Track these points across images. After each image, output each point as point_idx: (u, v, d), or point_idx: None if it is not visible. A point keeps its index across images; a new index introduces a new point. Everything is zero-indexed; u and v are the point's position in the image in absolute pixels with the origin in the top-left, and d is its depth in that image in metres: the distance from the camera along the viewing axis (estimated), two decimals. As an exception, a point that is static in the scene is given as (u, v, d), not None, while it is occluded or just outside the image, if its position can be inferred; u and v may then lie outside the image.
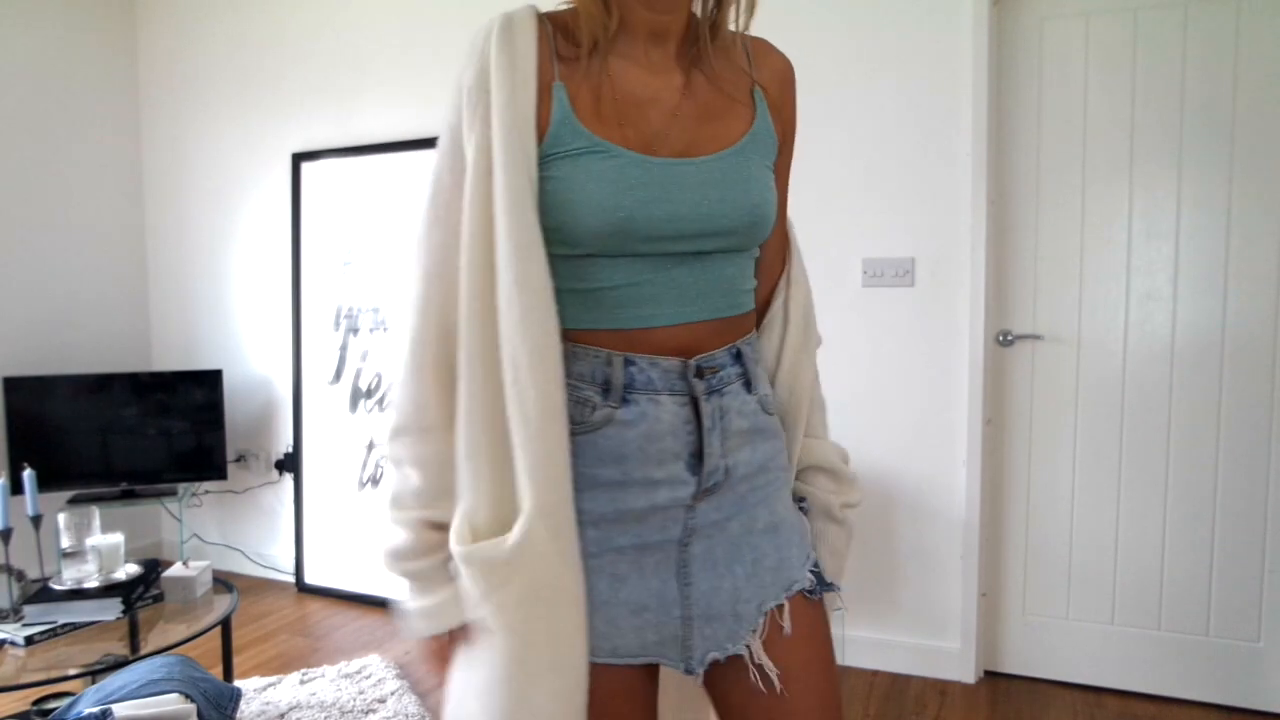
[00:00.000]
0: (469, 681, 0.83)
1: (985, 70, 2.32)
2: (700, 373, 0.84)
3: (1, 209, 3.13)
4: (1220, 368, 2.23)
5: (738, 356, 0.88)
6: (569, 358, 0.82)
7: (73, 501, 3.07)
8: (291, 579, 3.40)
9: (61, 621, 1.93)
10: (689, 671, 0.85)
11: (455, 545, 0.79)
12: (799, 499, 0.97)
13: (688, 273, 0.84)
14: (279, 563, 3.45)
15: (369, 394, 3.19)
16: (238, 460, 3.49)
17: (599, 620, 0.82)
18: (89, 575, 2.05)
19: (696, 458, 0.83)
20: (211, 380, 3.23)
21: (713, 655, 0.86)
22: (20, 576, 2.03)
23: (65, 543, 2.07)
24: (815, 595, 0.92)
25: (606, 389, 0.82)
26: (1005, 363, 2.45)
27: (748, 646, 0.86)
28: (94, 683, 1.82)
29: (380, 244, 3.16)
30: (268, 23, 3.37)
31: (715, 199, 0.82)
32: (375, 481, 3.17)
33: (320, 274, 3.28)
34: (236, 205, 3.48)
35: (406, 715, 2.26)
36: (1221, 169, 2.20)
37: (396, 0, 3.11)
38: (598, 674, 0.82)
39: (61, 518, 2.10)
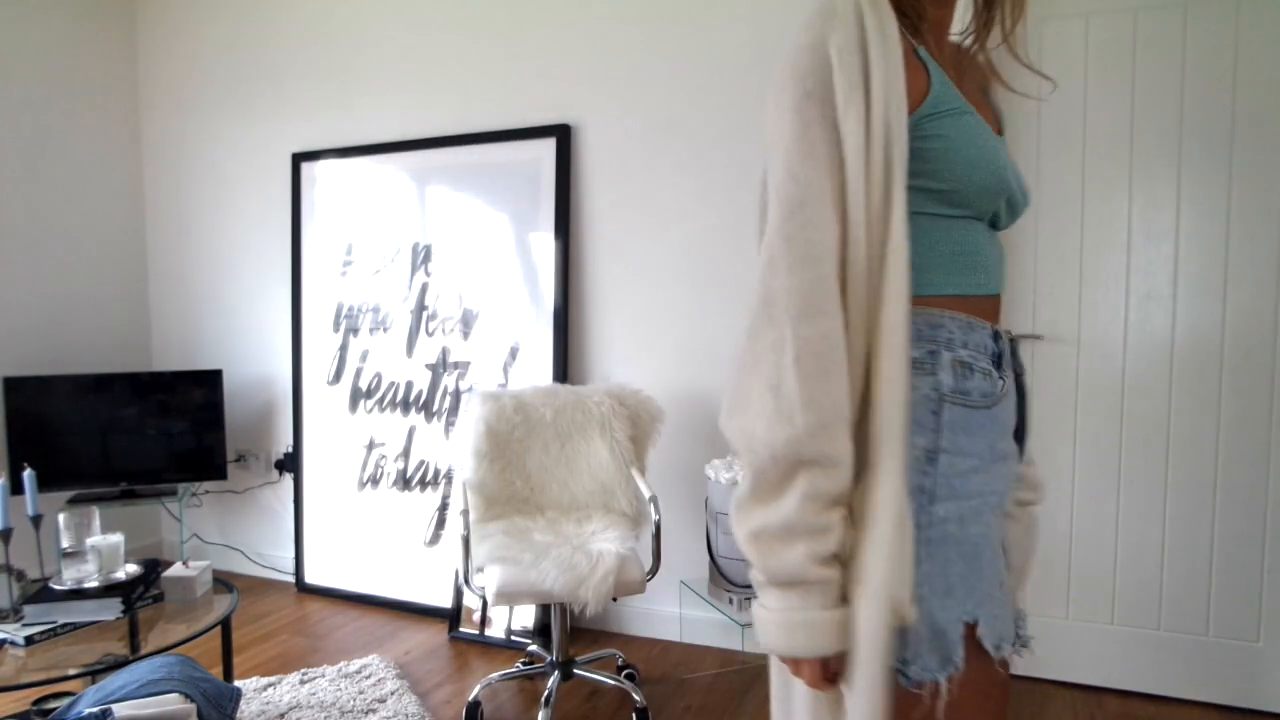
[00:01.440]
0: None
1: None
2: (1013, 347, 0.87)
3: (1, 209, 3.13)
4: (1220, 368, 2.23)
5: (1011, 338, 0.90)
6: (965, 328, 0.80)
7: (73, 501, 3.07)
8: (291, 579, 3.40)
9: (61, 621, 1.93)
10: (1019, 654, 0.84)
11: None
12: None
13: (994, 241, 0.86)
14: (279, 563, 3.45)
15: (369, 394, 3.19)
16: (238, 460, 3.49)
17: (989, 612, 0.77)
18: (89, 575, 2.05)
19: (1019, 430, 0.86)
20: (211, 380, 3.23)
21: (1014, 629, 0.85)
22: (20, 576, 2.03)
23: (65, 543, 2.07)
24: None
25: (998, 360, 0.83)
26: (1005, 363, 2.45)
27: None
28: (94, 683, 1.82)
29: (380, 244, 3.16)
30: (268, 23, 3.37)
31: (1017, 174, 0.87)
32: (375, 481, 3.17)
33: (320, 274, 3.28)
34: (236, 205, 3.48)
35: (406, 715, 2.26)
36: (1221, 169, 2.20)
37: (396, 1, 3.11)
38: (988, 667, 0.76)
39: (61, 518, 2.10)
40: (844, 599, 0.74)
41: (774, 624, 0.74)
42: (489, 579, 2.05)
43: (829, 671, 0.75)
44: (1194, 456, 2.27)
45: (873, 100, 0.72)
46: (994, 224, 0.87)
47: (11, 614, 1.94)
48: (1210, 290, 2.23)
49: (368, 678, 2.50)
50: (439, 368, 3.06)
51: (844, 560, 0.74)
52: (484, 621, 2.81)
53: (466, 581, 2.15)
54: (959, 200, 0.79)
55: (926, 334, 0.78)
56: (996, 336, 0.83)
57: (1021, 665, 2.47)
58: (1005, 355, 0.84)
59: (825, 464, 0.72)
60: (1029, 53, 2.35)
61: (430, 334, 3.08)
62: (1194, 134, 2.22)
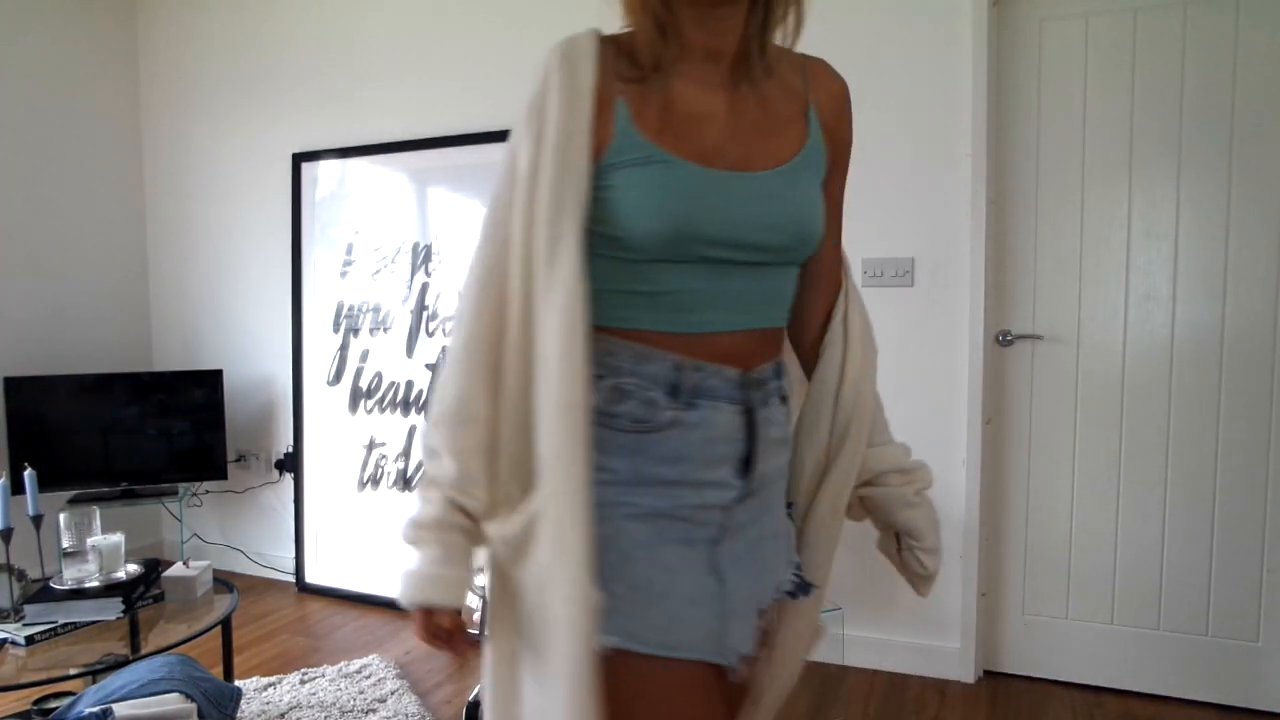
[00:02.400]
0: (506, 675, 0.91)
1: (985, 70, 2.33)
2: (755, 384, 0.89)
3: (2, 209, 3.13)
4: (1219, 367, 2.23)
5: (779, 369, 0.94)
6: (638, 358, 0.86)
7: (73, 501, 3.07)
8: (292, 579, 3.40)
9: (62, 621, 1.93)
10: (733, 667, 0.88)
11: (487, 526, 0.87)
12: (788, 504, 1.01)
13: (743, 282, 0.88)
14: (279, 563, 3.45)
15: (369, 394, 3.19)
16: (238, 460, 3.49)
17: (658, 614, 0.84)
18: (89, 575, 2.05)
19: (745, 464, 0.89)
20: (212, 380, 3.23)
21: (741, 651, 0.89)
22: (21, 576, 2.03)
23: (66, 542, 2.07)
24: (796, 596, 0.98)
25: (674, 392, 0.86)
26: (1005, 363, 2.45)
27: (756, 643, 0.92)
28: (94, 682, 1.82)
29: (380, 244, 3.16)
30: (268, 23, 3.37)
31: (770, 212, 0.87)
32: (375, 481, 3.18)
33: (320, 274, 3.28)
34: (237, 205, 3.48)
35: (406, 715, 2.26)
36: (1221, 169, 2.20)
37: (396, 1, 3.11)
38: (664, 669, 0.83)
39: (62, 517, 2.10)
40: (451, 563, 0.88)
41: (402, 575, 0.89)
42: (489, 579, 2.05)
43: (432, 624, 0.91)
44: (1194, 456, 2.27)
45: (541, 151, 0.82)
46: (765, 261, 0.88)
47: (12, 614, 1.94)
48: (1210, 290, 2.23)
49: (368, 678, 2.50)
50: (439, 368, 3.06)
51: (467, 531, 0.88)
52: (484, 622, 2.81)
53: (466, 581, 2.15)
54: (633, 245, 0.84)
55: (599, 358, 0.85)
56: (680, 368, 0.85)
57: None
58: (693, 388, 0.86)
59: (434, 455, 0.88)
60: (1030, 53, 2.36)
61: (430, 334, 3.08)
62: (1194, 134, 2.22)
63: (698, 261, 0.85)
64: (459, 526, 0.87)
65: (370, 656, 2.65)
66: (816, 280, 1.01)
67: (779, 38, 0.90)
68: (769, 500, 0.94)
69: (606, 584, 0.82)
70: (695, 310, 0.86)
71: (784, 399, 0.95)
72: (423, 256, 3.08)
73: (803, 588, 0.99)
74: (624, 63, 0.87)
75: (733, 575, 0.89)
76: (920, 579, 1.05)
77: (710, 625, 0.86)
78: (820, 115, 0.95)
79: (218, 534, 3.60)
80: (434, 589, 0.88)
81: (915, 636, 2.52)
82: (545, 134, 0.82)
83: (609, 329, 0.86)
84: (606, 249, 0.85)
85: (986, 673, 2.50)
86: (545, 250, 0.81)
